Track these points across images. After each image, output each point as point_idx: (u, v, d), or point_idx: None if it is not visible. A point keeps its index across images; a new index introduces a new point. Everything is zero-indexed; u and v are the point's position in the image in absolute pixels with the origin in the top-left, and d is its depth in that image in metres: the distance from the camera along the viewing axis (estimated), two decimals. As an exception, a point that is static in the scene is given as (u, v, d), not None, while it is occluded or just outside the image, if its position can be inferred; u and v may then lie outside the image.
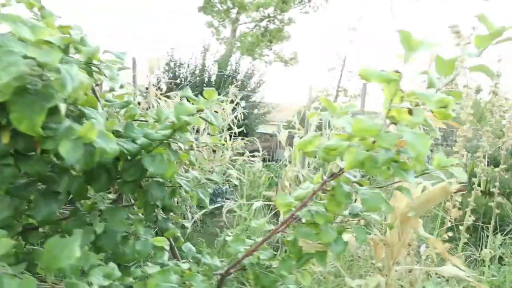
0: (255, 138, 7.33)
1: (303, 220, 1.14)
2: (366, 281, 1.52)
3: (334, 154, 0.81)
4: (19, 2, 0.85)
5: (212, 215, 4.39)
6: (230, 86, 7.17)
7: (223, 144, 5.87)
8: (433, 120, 1.63)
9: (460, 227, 2.39)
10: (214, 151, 5.97)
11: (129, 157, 1.19)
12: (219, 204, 3.54)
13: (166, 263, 1.26)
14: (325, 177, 1.00)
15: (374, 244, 1.52)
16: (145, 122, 1.30)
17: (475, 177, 2.92)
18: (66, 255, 0.74)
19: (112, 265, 0.99)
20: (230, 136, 6.28)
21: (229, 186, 5.31)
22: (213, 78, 10.79)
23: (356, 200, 1.16)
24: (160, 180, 1.25)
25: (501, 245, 2.14)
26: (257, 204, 1.67)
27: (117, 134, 1.17)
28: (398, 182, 1.23)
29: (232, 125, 6.22)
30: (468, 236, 2.37)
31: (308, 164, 5.01)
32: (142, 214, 1.37)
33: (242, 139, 6.53)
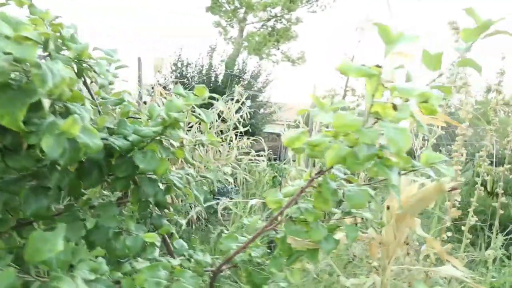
0: (260, 137, 7.32)
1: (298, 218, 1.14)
2: (361, 280, 1.51)
3: (318, 150, 0.81)
4: (10, -1, 0.86)
5: (216, 213, 4.41)
6: (236, 85, 7.20)
7: (226, 142, 5.87)
8: (434, 119, 1.61)
9: (463, 228, 2.36)
10: (220, 150, 6.00)
11: (121, 154, 1.21)
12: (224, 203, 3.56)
13: (157, 259, 1.27)
14: (313, 174, 0.99)
15: (369, 243, 1.50)
16: (139, 119, 1.31)
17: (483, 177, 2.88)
18: (48, 248, 0.75)
19: (100, 260, 1.00)
20: (236, 135, 6.28)
21: (234, 185, 5.33)
22: (220, 77, 10.82)
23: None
24: (153, 177, 1.25)
25: (502, 246, 2.11)
26: (253, 202, 1.67)
27: (110, 131, 1.19)
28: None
29: (238, 124, 6.23)
30: (470, 236, 2.33)
31: (314, 163, 5.00)
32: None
33: (248, 138, 6.54)
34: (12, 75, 0.73)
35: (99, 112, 1.29)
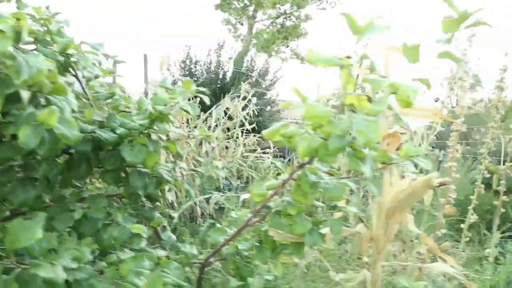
0: (267, 134, 7.29)
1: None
2: (351, 275, 1.51)
3: (294, 141, 0.81)
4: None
5: (221, 210, 4.44)
6: (243, 83, 7.21)
7: (233, 139, 5.90)
8: (433, 115, 1.60)
9: (462, 225, 2.33)
10: (226, 147, 6.03)
11: (112, 147, 1.23)
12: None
13: (147, 250, 1.29)
14: (295, 168, 1.00)
15: (360, 238, 1.50)
16: (129, 113, 1.33)
17: (490, 176, 2.84)
18: (28, 236, 0.78)
19: (85, 249, 1.02)
20: (242, 132, 6.29)
21: (240, 182, 5.34)
22: (228, 75, 10.83)
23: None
24: (142, 169, 1.27)
25: (498, 244, 2.08)
26: (245, 196, 1.68)
27: (100, 124, 1.21)
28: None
29: (244, 121, 6.24)
30: (470, 234, 2.31)
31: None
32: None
33: (254, 135, 6.54)
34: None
35: (91, 105, 1.31)
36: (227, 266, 1.38)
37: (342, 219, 2.02)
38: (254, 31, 17.43)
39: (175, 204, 3.39)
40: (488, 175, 3.51)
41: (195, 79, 10.47)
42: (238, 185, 5.01)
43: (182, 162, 3.55)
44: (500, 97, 2.33)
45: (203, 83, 10.37)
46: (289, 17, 17.31)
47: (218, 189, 4.71)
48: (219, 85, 10.27)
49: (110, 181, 1.28)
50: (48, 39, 0.96)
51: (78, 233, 1.20)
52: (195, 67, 10.65)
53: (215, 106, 5.40)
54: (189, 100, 4.65)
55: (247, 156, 6.18)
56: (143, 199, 1.50)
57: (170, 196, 3.20)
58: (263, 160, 6.53)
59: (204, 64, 10.68)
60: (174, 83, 9.32)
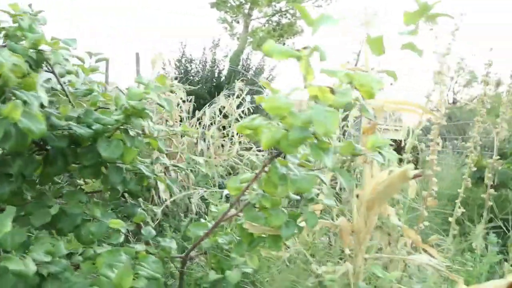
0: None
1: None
2: (333, 267, 1.52)
3: (260, 134, 0.82)
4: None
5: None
6: (236, 81, 7.20)
7: (228, 138, 5.90)
8: (414, 110, 1.60)
9: (450, 219, 2.35)
10: (222, 145, 6.03)
11: (89, 143, 1.24)
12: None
13: (129, 246, 1.30)
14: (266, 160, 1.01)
15: (341, 231, 1.51)
16: (108, 109, 1.33)
17: (482, 170, 2.85)
18: (-4, 229, 0.78)
19: (60, 244, 1.03)
20: (238, 130, 6.26)
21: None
22: (224, 73, 10.82)
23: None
24: (120, 165, 1.28)
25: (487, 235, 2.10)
26: (226, 191, 1.68)
27: (78, 120, 1.22)
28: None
29: (239, 119, 6.24)
30: (457, 228, 2.32)
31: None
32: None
33: (249, 133, 6.49)
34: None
35: (69, 101, 1.32)
36: (208, 259, 1.39)
37: (324, 212, 2.03)
38: (250, 29, 17.42)
39: (168, 203, 3.40)
40: (475, 169, 3.52)
41: (191, 77, 10.46)
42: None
43: (175, 160, 3.56)
44: (485, 91, 2.34)
45: (199, 82, 10.36)
46: (285, 14, 17.31)
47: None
48: (214, 84, 10.26)
49: (89, 177, 1.29)
50: (19, 34, 0.97)
51: (57, 229, 1.21)
52: (190, 65, 10.63)
53: (208, 104, 5.40)
54: (182, 99, 4.60)
55: (242, 154, 6.19)
56: (126, 195, 1.51)
57: (164, 195, 3.21)
58: (258, 157, 6.53)
59: (200, 63, 10.67)
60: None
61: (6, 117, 0.75)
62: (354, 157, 0.98)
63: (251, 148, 6.79)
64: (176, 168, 1.51)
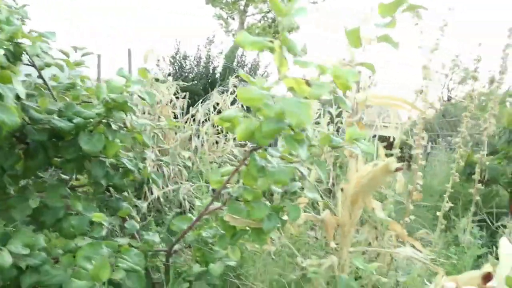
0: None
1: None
2: (318, 261, 1.53)
3: (236, 125, 0.82)
4: None
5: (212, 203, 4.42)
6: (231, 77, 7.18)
7: (222, 134, 5.89)
8: (401, 105, 1.61)
9: (438, 213, 2.37)
10: (216, 142, 6.01)
11: (71, 137, 1.23)
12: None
13: (115, 240, 1.30)
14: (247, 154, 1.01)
15: (326, 224, 1.52)
16: (91, 103, 1.33)
17: (473, 166, 2.87)
18: (-31, 221, 0.78)
19: (39, 237, 1.03)
20: (232, 127, 6.25)
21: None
22: (218, 70, 10.78)
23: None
24: (102, 159, 1.28)
25: (466, 230, 2.12)
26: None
27: (60, 113, 1.21)
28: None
29: (233, 116, 6.20)
30: (445, 222, 2.34)
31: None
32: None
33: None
34: None
35: (52, 95, 1.32)
36: (193, 253, 1.39)
37: (310, 206, 2.04)
38: (245, 25, 17.36)
39: (161, 199, 3.40)
40: (467, 165, 3.55)
41: (185, 74, 10.43)
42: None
43: (167, 156, 3.53)
44: (474, 87, 2.36)
45: (193, 78, 10.33)
46: (281, 11, 17.24)
47: (207, 183, 4.71)
48: (209, 80, 10.23)
49: (71, 171, 1.29)
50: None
51: (39, 222, 1.21)
52: (185, 62, 10.59)
53: (200, 100, 5.38)
54: (176, 95, 4.60)
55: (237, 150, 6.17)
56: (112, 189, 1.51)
57: (159, 193, 3.20)
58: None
59: (194, 59, 10.63)
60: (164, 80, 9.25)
61: (-22, 108, 0.75)
62: (334, 149, 0.98)
63: (246, 144, 6.79)
64: (162, 162, 1.51)
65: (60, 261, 1.03)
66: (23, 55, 1.03)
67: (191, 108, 5.51)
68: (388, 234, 1.77)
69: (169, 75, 9.00)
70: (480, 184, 2.51)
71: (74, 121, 1.15)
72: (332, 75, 0.78)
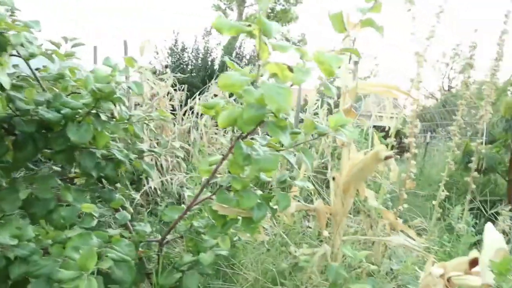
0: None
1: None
2: (310, 250, 1.53)
3: (219, 113, 0.81)
4: None
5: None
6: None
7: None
8: (389, 91, 1.60)
9: (433, 202, 2.37)
10: (216, 134, 6.00)
11: (60, 127, 1.23)
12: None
13: (105, 230, 1.30)
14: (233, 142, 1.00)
15: (318, 213, 1.52)
16: (79, 94, 1.32)
17: (471, 155, 2.87)
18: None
19: (28, 227, 1.03)
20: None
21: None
22: (217, 61, 10.73)
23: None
24: (92, 150, 1.28)
25: (460, 217, 2.12)
26: (206, 176, 1.68)
27: (47, 104, 1.21)
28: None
29: (232, 108, 6.19)
30: (441, 210, 2.35)
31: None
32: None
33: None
34: None
35: (41, 86, 1.31)
36: (185, 243, 1.40)
37: (305, 195, 2.04)
38: (244, 16, 17.24)
39: (159, 191, 3.41)
40: (466, 154, 3.54)
41: (184, 66, 10.38)
42: (227, 171, 5.02)
43: (166, 149, 3.52)
44: (469, 75, 2.34)
45: (192, 70, 10.29)
46: (279, 1, 17.12)
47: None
48: (208, 72, 10.19)
49: (62, 162, 1.29)
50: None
51: (30, 214, 1.21)
52: (183, 54, 10.54)
53: (198, 92, 5.36)
54: (174, 88, 4.61)
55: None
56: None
57: (153, 184, 3.21)
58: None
59: (192, 51, 10.57)
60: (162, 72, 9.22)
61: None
62: (320, 137, 0.98)
63: (246, 136, 6.75)
64: (153, 153, 1.50)
65: (50, 252, 1.04)
66: (8, 45, 1.02)
67: (189, 100, 5.49)
68: (382, 222, 1.78)
69: (166, 67, 8.96)
70: (476, 173, 2.51)
71: (62, 112, 1.14)
72: (316, 61, 0.77)
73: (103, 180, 1.49)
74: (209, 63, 10.48)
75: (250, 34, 0.71)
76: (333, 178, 1.46)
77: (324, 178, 3.16)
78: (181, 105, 5.58)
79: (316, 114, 4.80)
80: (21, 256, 0.96)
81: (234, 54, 10.90)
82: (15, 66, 1.22)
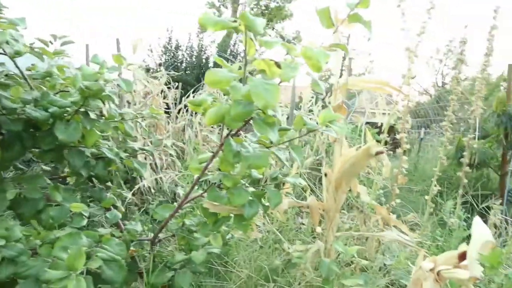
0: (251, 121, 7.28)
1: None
2: (303, 246, 1.53)
3: (206, 109, 0.81)
4: None
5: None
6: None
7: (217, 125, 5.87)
8: (380, 87, 1.60)
9: (426, 197, 2.38)
10: (211, 132, 5.98)
11: (48, 126, 1.21)
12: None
13: (96, 230, 1.29)
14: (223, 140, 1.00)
15: (311, 210, 1.52)
16: (68, 92, 1.30)
17: (464, 150, 2.89)
18: None
19: (15, 228, 1.02)
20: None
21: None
22: (211, 59, 10.70)
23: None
24: (82, 148, 1.26)
25: (453, 211, 2.14)
26: (198, 174, 1.68)
27: (35, 102, 1.19)
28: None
29: (227, 105, 6.17)
30: (433, 205, 2.36)
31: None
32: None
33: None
34: None
35: (28, 85, 1.29)
36: (178, 241, 1.39)
37: (298, 192, 2.04)
38: (238, 14, 17.20)
39: (153, 190, 3.40)
40: (460, 149, 3.56)
41: (178, 64, 10.33)
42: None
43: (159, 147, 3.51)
44: (460, 71, 2.35)
45: (186, 68, 10.24)
46: (273, -3, 17.11)
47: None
48: (202, 70, 10.15)
49: (50, 162, 1.27)
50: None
51: (18, 214, 1.20)
52: (177, 51, 10.48)
53: (192, 90, 5.34)
54: (168, 86, 4.58)
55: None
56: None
57: (147, 183, 3.20)
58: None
59: (186, 49, 10.52)
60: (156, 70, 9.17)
61: None
62: (311, 133, 0.98)
63: (236, 133, 6.73)
64: (144, 151, 1.49)
65: (38, 252, 1.03)
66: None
67: (183, 98, 5.46)
68: (375, 218, 1.78)
69: (160, 65, 8.91)
70: (468, 168, 2.52)
71: (50, 110, 1.13)
72: (303, 56, 0.77)
73: (94, 179, 1.48)
74: (203, 61, 10.44)
75: (236, 30, 0.71)
76: (325, 174, 1.46)
77: (318, 174, 3.16)
78: (175, 103, 5.56)
79: (311, 111, 4.80)
80: (8, 257, 0.95)
81: (228, 52, 10.87)
82: (1, 64, 1.20)
